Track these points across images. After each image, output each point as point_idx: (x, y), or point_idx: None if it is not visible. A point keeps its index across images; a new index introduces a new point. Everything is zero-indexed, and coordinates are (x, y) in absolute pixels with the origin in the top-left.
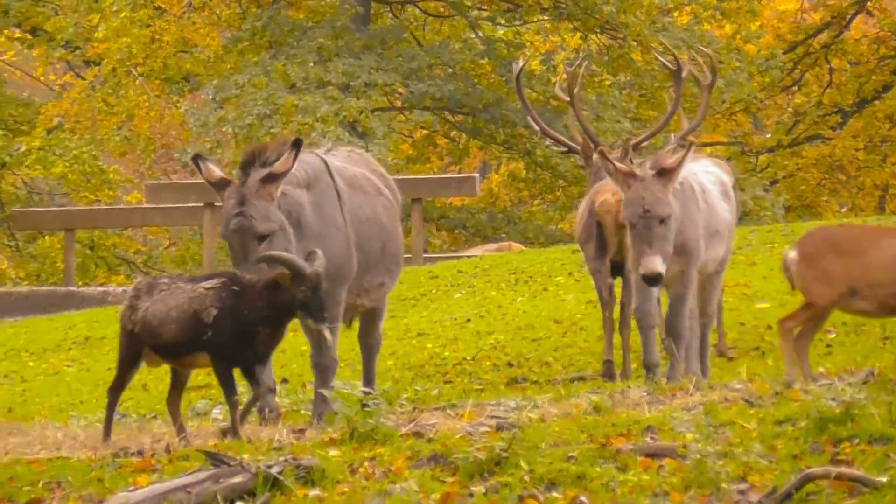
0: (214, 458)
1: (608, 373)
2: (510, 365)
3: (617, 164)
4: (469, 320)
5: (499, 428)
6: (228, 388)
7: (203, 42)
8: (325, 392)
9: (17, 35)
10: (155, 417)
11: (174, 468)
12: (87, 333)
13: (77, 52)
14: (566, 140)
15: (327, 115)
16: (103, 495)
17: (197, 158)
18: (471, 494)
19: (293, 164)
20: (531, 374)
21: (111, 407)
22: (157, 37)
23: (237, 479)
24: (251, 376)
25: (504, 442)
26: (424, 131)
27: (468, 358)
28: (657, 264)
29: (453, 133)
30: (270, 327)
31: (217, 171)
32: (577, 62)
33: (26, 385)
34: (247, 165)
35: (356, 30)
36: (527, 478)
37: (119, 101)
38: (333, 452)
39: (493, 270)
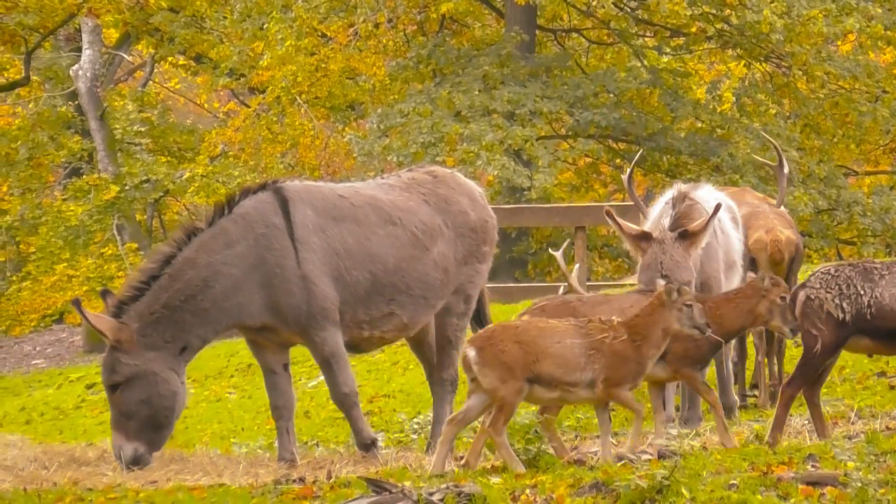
0: (376, 486)
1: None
2: None
3: (624, 225)
4: None
5: (660, 456)
6: None
7: (369, 71)
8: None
9: (181, 63)
10: (317, 444)
11: (335, 495)
12: (249, 361)
13: (241, 79)
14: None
15: (492, 144)
16: None
17: (103, 294)
18: None
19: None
20: None
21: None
22: (323, 65)
23: None
24: None
25: (666, 470)
26: (588, 159)
27: None
28: None
29: (617, 161)
30: None
31: (108, 318)
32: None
33: (188, 412)
34: None
35: (521, 58)
36: None
37: (283, 129)
38: (495, 480)
39: None
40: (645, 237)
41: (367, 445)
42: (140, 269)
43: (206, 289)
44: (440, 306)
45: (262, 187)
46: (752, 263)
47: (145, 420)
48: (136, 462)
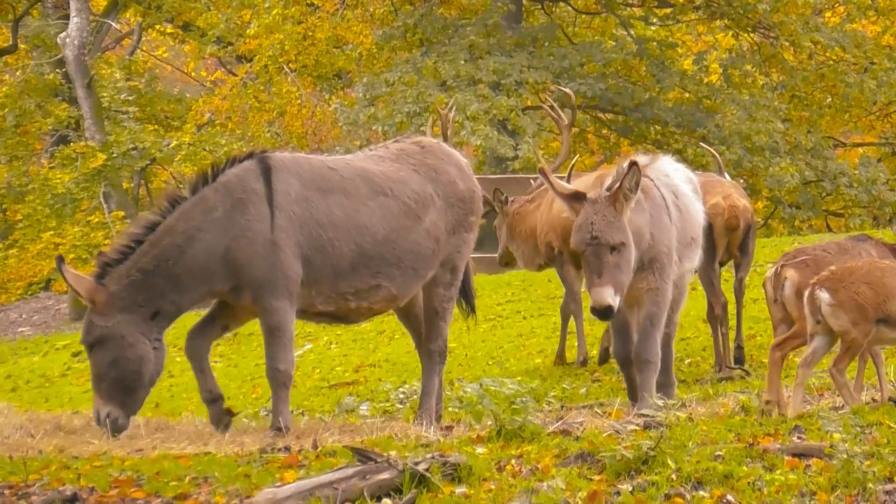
0: (361, 455)
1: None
2: None
3: (557, 184)
4: None
5: (646, 426)
6: None
7: (356, 39)
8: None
9: (169, 31)
10: (303, 413)
11: (321, 464)
12: (234, 329)
13: (229, 48)
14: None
15: (477, 113)
16: (250, 491)
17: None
18: (618, 493)
19: None
20: (679, 374)
21: None
22: (310, 33)
23: (384, 475)
24: None
25: (651, 440)
26: (575, 129)
27: None
28: (606, 296)
29: (604, 131)
30: None
31: (86, 279)
32: (449, 106)
33: (173, 380)
34: None
35: (508, 28)
36: (674, 476)
37: (270, 98)
38: (481, 450)
39: None
40: (578, 197)
41: (279, 430)
42: (126, 234)
43: (180, 254)
44: (429, 276)
45: (249, 156)
46: (708, 230)
47: (114, 382)
48: (112, 424)
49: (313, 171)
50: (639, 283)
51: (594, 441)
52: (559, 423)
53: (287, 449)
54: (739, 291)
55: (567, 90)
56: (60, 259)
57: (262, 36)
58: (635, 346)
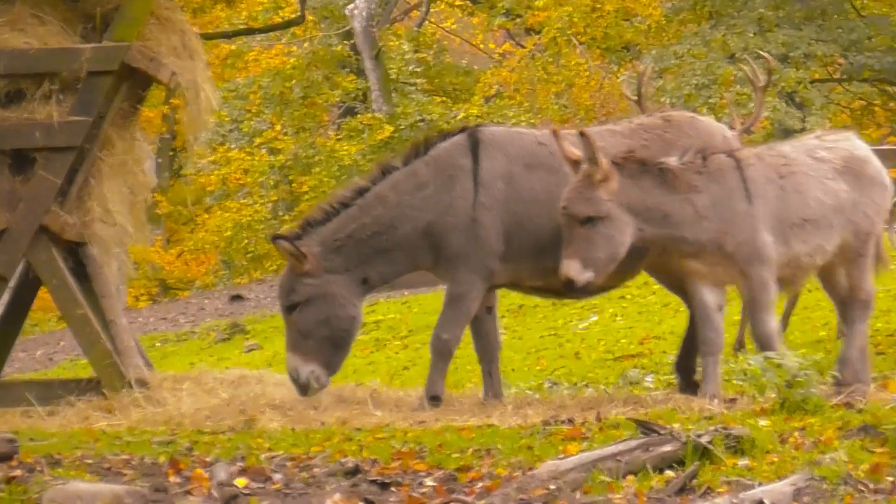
0: (645, 427)
1: None
2: None
3: (566, 148)
4: None
5: None
6: None
7: (645, 11)
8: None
9: (457, 3)
10: (587, 385)
11: (604, 436)
12: (519, 301)
13: (517, 20)
14: None
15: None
16: (533, 463)
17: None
18: None
19: None
20: None
21: None
22: (598, 5)
23: (667, 447)
24: None
25: None
26: (862, 102)
27: None
28: (571, 269)
29: (891, 104)
30: None
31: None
32: (645, 65)
33: (457, 353)
34: None
35: (797, 0)
36: None
37: (559, 70)
38: (763, 422)
39: None
40: (579, 164)
41: (429, 399)
42: (333, 196)
43: (392, 229)
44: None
45: (461, 130)
46: None
47: (323, 340)
48: (317, 381)
49: (523, 147)
50: (721, 274)
51: (877, 414)
52: (842, 396)
53: (570, 421)
54: None
55: (765, 54)
56: (276, 236)
57: (550, 8)
58: (752, 333)
